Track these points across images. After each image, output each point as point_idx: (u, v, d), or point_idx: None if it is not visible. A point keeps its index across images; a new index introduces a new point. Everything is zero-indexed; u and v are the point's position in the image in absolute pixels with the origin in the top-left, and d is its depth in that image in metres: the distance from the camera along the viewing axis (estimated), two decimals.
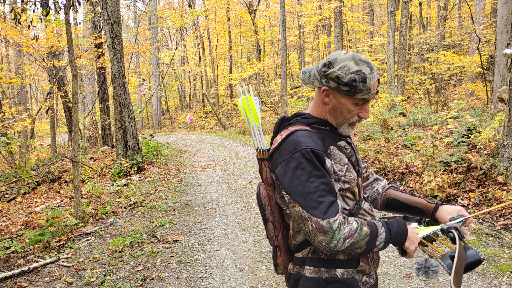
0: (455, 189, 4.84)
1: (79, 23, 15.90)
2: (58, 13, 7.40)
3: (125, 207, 6.06)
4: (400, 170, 5.93)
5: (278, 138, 1.32)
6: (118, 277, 3.58)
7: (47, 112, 11.94)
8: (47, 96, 11.63)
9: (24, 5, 5.84)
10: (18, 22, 6.28)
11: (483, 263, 3.31)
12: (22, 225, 5.38)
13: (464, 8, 17.16)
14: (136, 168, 8.79)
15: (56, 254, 4.19)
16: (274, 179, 1.30)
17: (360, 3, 22.49)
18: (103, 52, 12.43)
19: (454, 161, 5.06)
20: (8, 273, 3.68)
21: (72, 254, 4.23)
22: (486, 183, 4.64)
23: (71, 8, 5.41)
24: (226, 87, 29.54)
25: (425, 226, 1.42)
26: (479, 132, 5.65)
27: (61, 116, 17.17)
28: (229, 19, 26.00)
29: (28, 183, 7.71)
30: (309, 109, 1.39)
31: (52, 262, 3.99)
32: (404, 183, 5.69)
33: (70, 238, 4.70)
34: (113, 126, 12.25)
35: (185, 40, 29.34)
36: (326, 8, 17.67)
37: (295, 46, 26.39)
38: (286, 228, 1.39)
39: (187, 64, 32.23)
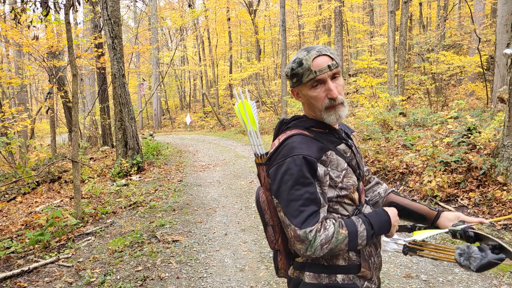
0: (455, 189, 4.84)
1: (79, 23, 15.90)
2: (58, 13, 7.40)
3: (125, 207, 6.06)
4: (400, 170, 5.93)
5: (276, 142, 1.32)
6: (118, 277, 3.58)
7: (47, 112, 11.94)
8: (47, 96, 11.63)
9: (24, 5, 5.84)
10: (18, 22, 6.27)
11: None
12: (22, 225, 5.38)
13: (464, 8, 17.16)
14: (136, 168, 8.79)
15: (56, 254, 4.19)
16: (270, 183, 1.30)
17: (360, 3, 22.50)
18: (103, 52, 12.43)
19: (454, 161, 5.06)
20: (8, 273, 3.68)
21: (72, 254, 4.23)
22: (486, 183, 4.64)
23: (71, 8, 5.41)
24: (226, 87, 29.53)
25: (418, 230, 1.42)
26: (479, 132, 5.65)
27: (61, 116, 17.17)
28: (229, 19, 25.99)
29: (28, 183, 7.71)
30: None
31: (52, 262, 3.99)
32: (404, 183, 5.68)
33: (70, 238, 4.70)
34: (113, 126, 12.25)
35: (185, 40, 29.34)
36: (326, 8, 17.68)
37: (295, 46, 26.38)
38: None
39: (187, 64, 32.22)
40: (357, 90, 16.25)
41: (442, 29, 14.55)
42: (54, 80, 11.63)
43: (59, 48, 11.13)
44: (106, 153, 11.90)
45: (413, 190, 5.33)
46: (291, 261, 1.38)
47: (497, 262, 1.11)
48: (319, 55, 1.24)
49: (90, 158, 10.84)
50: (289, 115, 14.20)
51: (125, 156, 9.08)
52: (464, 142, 5.62)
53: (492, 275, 3.13)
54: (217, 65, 28.50)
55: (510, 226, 3.96)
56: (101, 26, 11.47)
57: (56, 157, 10.05)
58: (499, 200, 4.27)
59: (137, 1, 20.20)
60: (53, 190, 7.81)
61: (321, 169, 1.22)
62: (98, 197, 6.79)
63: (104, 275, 3.61)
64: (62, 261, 4.02)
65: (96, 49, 12.06)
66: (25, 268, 3.78)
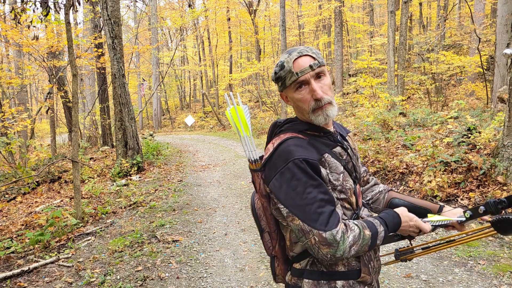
0: (455, 189, 4.84)
1: (79, 23, 15.91)
2: (58, 13, 7.39)
3: (125, 207, 6.06)
4: (400, 170, 5.93)
5: (270, 147, 1.27)
6: (118, 277, 3.58)
7: (47, 112, 11.94)
8: (47, 96, 11.62)
9: (24, 5, 5.84)
10: (18, 22, 6.27)
11: (483, 263, 3.32)
12: (22, 225, 5.38)
13: (464, 8, 17.16)
14: (136, 168, 8.79)
15: (56, 254, 4.19)
16: (269, 192, 1.25)
17: (360, 3, 22.49)
18: (103, 52, 12.43)
19: (454, 161, 5.06)
20: (8, 273, 3.68)
21: (72, 254, 4.23)
22: (486, 183, 4.64)
23: (71, 8, 5.41)
24: (226, 87, 29.50)
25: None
26: (479, 132, 5.64)
27: (61, 116, 17.18)
28: (229, 19, 25.98)
29: (28, 183, 7.71)
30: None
31: (52, 262, 3.99)
32: (404, 183, 5.69)
33: (70, 238, 4.70)
34: (113, 126, 12.25)
35: (185, 40, 29.35)
36: (326, 8, 17.67)
37: (295, 46, 26.37)
38: (283, 239, 1.35)
39: (187, 64, 32.23)
40: (357, 90, 16.25)
41: (442, 29, 14.55)
42: (54, 80, 11.63)
43: (59, 48, 11.14)
44: (106, 153, 11.91)
45: (413, 190, 5.33)
46: (289, 267, 1.36)
47: None
48: (300, 56, 1.22)
49: (90, 158, 10.84)
50: (289, 115, 14.16)
51: (125, 156, 9.08)
52: (464, 142, 5.62)
53: (492, 275, 3.13)
54: (217, 65, 28.50)
55: None
56: (101, 26, 11.47)
57: (56, 157, 10.05)
58: None
59: (137, 1, 20.20)
60: (53, 190, 7.81)
61: (324, 171, 1.20)
62: (98, 197, 6.79)
63: (104, 275, 3.61)
64: (62, 261, 4.02)
65: (96, 49, 12.06)
66: (25, 268, 3.78)
